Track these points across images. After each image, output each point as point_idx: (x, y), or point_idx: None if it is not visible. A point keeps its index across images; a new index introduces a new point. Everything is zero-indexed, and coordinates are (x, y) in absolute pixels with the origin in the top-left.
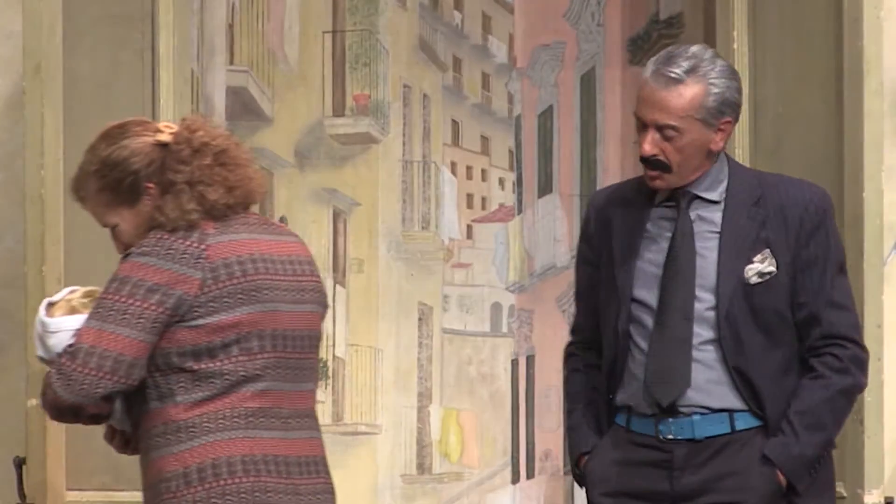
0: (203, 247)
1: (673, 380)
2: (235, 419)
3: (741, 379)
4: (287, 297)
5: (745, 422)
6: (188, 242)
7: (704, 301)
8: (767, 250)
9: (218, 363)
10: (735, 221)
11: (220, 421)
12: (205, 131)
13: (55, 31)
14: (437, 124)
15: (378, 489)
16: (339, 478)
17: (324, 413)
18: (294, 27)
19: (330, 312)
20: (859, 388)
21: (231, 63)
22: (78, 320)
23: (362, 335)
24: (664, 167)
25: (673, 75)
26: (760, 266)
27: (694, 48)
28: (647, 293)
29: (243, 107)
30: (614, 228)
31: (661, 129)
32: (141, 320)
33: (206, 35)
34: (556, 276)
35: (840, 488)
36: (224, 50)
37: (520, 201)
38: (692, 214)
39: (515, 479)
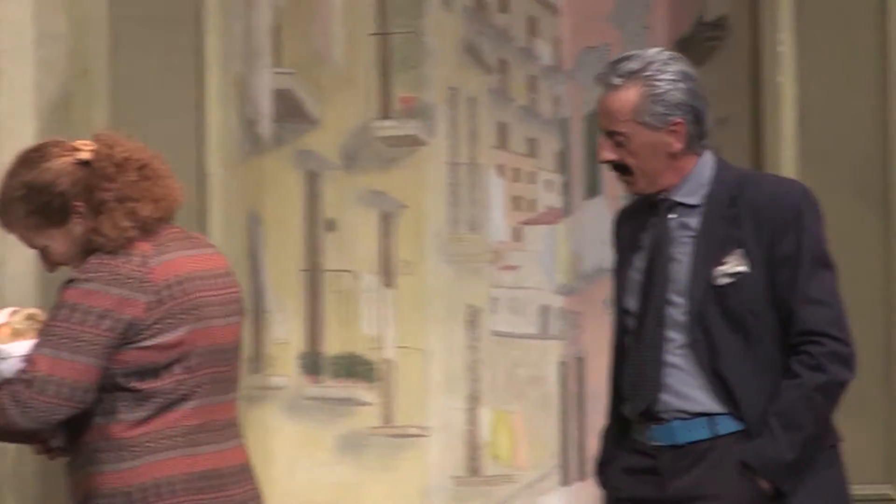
0: (146, 270)
1: (644, 387)
2: (176, 437)
3: (717, 382)
4: (218, 311)
5: (726, 426)
6: (131, 266)
7: (679, 306)
8: (740, 250)
9: (160, 382)
10: (709, 224)
11: (162, 440)
12: (123, 146)
13: (101, 33)
14: (484, 127)
15: (428, 491)
16: (390, 480)
17: (373, 415)
18: (340, 29)
19: (378, 315)
20: (838, 383)
21: (277, 65)
22: (26, 346)
23: (411, 337)
24: (625, 170)
25: (612, 81)
26: (730, 267)
27: (651, 51)
28: (634, 302)
29: (290, 109)
30: (620, 241)
31: (611, 135)
32: (94, 346)
33: (252, 37)
34: (604, 279)
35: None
36: (270, 52)
37: (567, 204)
38: (675, 220)
39: (565, 481)
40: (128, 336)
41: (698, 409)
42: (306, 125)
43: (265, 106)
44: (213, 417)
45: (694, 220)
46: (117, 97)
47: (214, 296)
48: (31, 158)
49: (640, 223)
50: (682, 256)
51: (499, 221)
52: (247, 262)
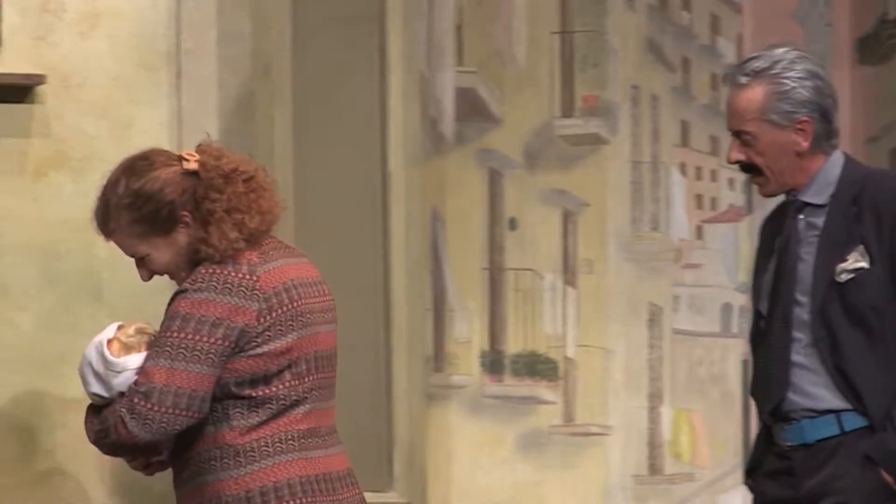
0: (255, 278)
1: (772, 387)
2: (290, 441)
3: (842, 379)
4: (320, 318)
5: (852, 422)
6: (241, 275)
7: (804, 305)
8: (861, 247)
9: (272, 389)
10: (832, 222)
11: (277, 444)
12: (229, 158)
13: (284, 32)
14: (666, 125)
15: (609, 490)
16: (571, 478)
17: (555, 414)
18: (522, 28)
19: (560, 313)
20: None
21: (460, 64)
22: (138, 359)
23: (593, 336)
24: (755, 170)
25: (739, 80)
26: (850, 263)
27: (779, 50)
28: (765, 305)
29: (472, 108)
30: (760, 246)
31: (738, 134)
32: (210, 356)
33: (434, 36)
34: None
35: None
36: (452, 51)
37: (749, 202)
38: (803, 221)
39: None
40: (240, 344)
41: (824, 406)
42: (488, 124)
43: (447, 105)
44: (320, 423)
45: (820, 220)
46: (299, 96)
47: (316, 303)
48: (138, 167)
49: (777, 227)
50: (808, 256)
51: (681, 219)
52: (429, 260)
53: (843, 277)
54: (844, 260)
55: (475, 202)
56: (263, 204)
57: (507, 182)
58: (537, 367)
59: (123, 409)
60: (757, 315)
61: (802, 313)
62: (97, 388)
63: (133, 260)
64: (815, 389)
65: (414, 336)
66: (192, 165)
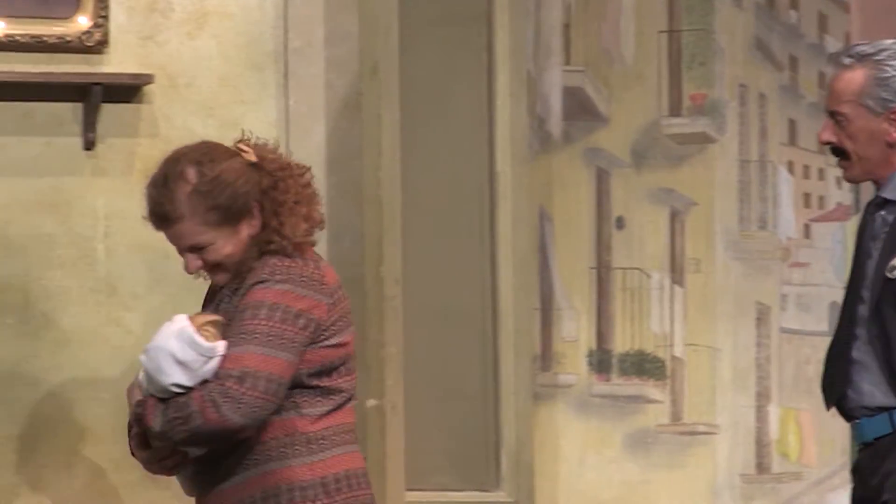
0: (321, 273)
1: (833, 384)
2: (349, 433)
3: (893, 376)
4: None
5: None
6: (311, 269)
7: (866, 302)
8: None
9: (335, 380)
10: None
11: (342, 434)
12: (275, 153)
13: (391, 31)
14: (774, 124)
15: (717, 489)
16: (679, 477)
17: (662, 413)
18: (630, 26)
19: (668, 312)
20: None
21: (567, 63)
22: (223, 346)
23: (700, 335)
24: (842, 154)
25: (843, 60)
26: None
27: (889, 41)
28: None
29: (579, 107)
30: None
31: (833, 115)
32: (294, 344)
33: (542, 35)
34: None
35: None
36: (560, 50)
37: (857, 200)
38: (881, 217)
39: None
40: (314, 336)
41: (877, 403)
42: (596, 123)
43: (555, 104)
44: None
45: (892, 216)
46: (407, 95)
47: (348, 304)
48: (208, 155)
49: (863, 224)
50: (875, 252)
51: (788, 218)
52: (536, 259)
53: (893, 274)
54: (894, 256)
55: (582, 201)
56: (317, 198)
57: (615, 181)
58: (645, 366)
59: (215, 394)
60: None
61: (863, 310)
62: (179, 378)
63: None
64: (869, 387)
65: (521, 335)
66: (252, 157)
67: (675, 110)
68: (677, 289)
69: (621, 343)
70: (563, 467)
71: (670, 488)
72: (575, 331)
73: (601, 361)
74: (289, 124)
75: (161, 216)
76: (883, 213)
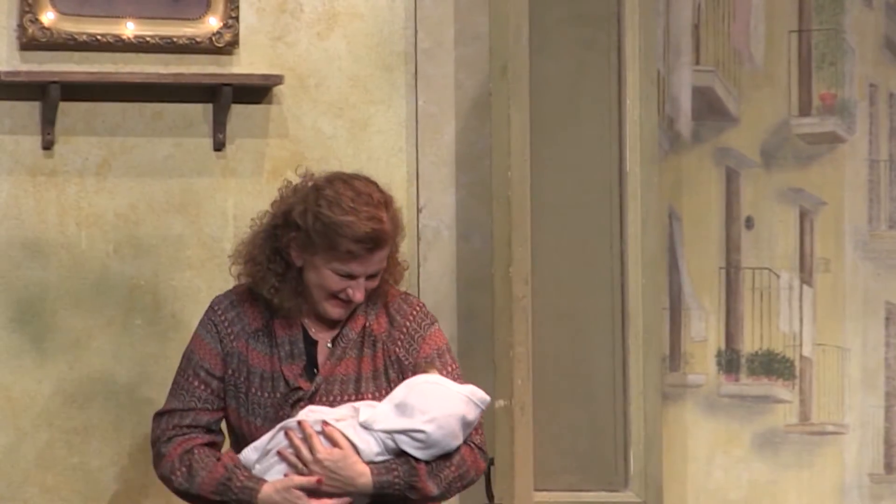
0: None
1: None
2: None
3: None
4: None
5: None
6: None
7: None
8: None
9: None
10: None
11: None
12: None
13: (522, 32)
14: None
15: (845, 488)
16: (806, 477)
17: (791, 413)
18: (760, 26)
19: (797, 312)
20: None
21: (697, 63)
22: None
23: (829, 335)
24: None
25: None
26: None
27: None
28: None
29: (709, 107)
30: None
31: None
32: None
33: (671, 35)
34: None
35: None
36: (690, 50)
37: None
38: None
39: None
40: None
41: None
42: (725, 123)
43: (684, 104)
44: None
45: None
46: (536, 95)
47: None
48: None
49: None
50: None
51: None
52: (665, 259)
53: None
54: None
55: (712, 201)
56: None
57: (744, 180)
58: (773, 365)
59: (476, 443)
60: None
61: None
62: (461, 438)
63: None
64: None
65: (650, 335)
66: None
67: (804, 110)
68: (806, 288)
69: (750, 343)
70: (691, 467)
71: (798, 488)
72: (704, 331)
73: (730, 361)
74: (418, 124)
75: (381, 237)
76: None
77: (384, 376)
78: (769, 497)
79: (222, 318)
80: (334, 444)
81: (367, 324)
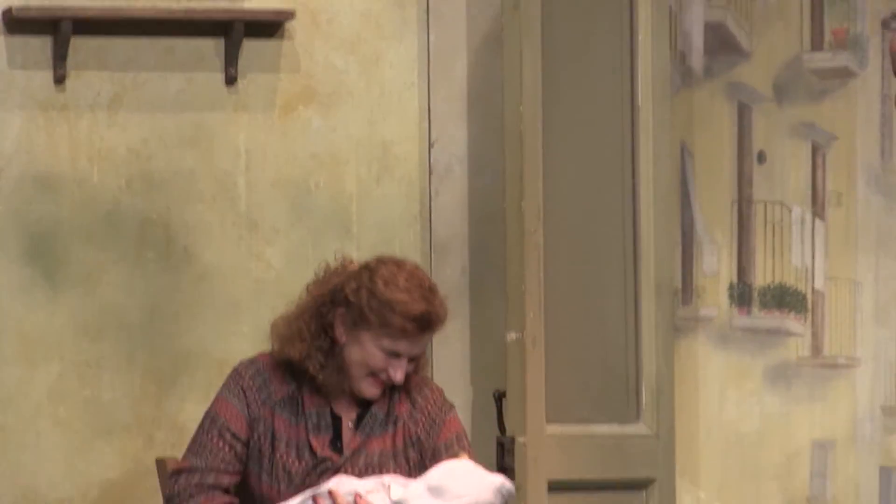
0: None
1: None
2: None
3: None
4: None
5: None
6: None
7: None
8: None
9: None
10: None
11: None
12: None
13: None
14: None
15: (857, 421)
16: (819, 410)
17: (803, 346)
18: None
19: (809, 245)
20: None
21: None
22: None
23: (841, 268)
24: None
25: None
26: None
27: None
28: None
29: (721, 42)
30: None
31: None
32: None
33: None
34: None
35: None
36: None
37: None
38: None
39: None
40: None
41: None
42: (737, 58)
43: (696, 39)
44: None
45: None
46: (548, 30)
47: None
48: None
49: None
50: None
51: None
52: (677, 193)
53: None
54: None
55: (724, 136)
56: None
57: (756, 115)
58: (786, 299)
59: None
60: None
61: None
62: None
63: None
64: None
65: (662, 269)
66: None
67: (817, 45)
68: (818, 222)
69: (762, 276)
70: (703, 400)
71: (810, 421)
72: (716, 264)
73: (742, 295)
74: (430, 59)
75: (433, 319)
76: None
77: (403, 456)
78: (781, 430)
79: (249, 383)
80: None
81: (391, 405)
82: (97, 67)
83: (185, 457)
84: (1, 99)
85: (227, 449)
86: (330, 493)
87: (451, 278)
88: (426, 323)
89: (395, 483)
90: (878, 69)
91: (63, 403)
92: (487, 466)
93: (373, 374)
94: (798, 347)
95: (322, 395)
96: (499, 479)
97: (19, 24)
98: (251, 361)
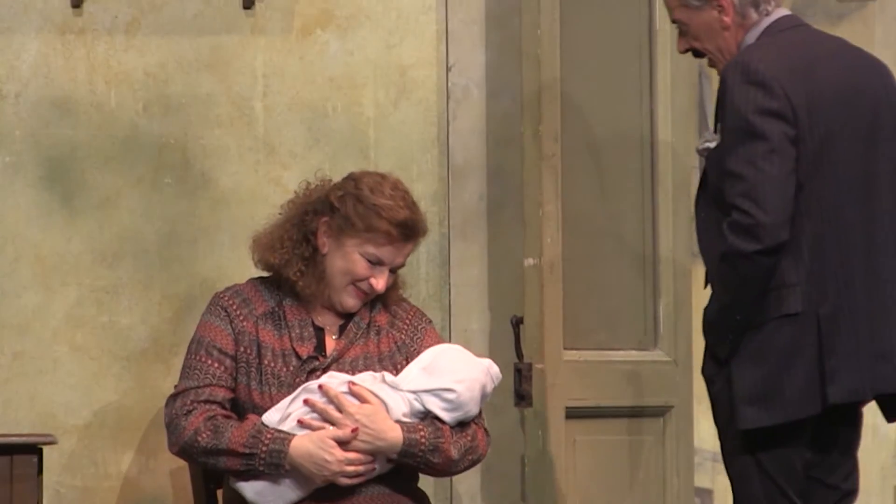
0: None
1: None
2: None
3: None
4: None
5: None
6: None
7: None
8: (713, 126)
9: None
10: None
11: None
12: None
13: None
14: None
15: None
16: None
17: None
18: None
19: None
20: (737, 252)
21: None
22: None
23: None
24: (700, 54)
25: None
26: (702, 143)
27: None
28: None
29: None
30: None
31: (675, 24)
32: None
33: None
34: None
35: None
36: None
37: None
38: None
39: None
40: None
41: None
42: None
43: None
44: None
45: None
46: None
47: None
48: None
49: None
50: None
51: None
52: (695, 116)
53: (701, 158)
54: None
55: None
56: None
57: None
58: None
59: (483, 428)
60: None
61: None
62: (476, 411)
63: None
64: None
65: (679, 193)
66: None
67: None
68: None
69: None
70: None
71: None
72: None
73: None
74: None
75: (416, 227)
76: None
77: (390, 360)
78: None
79: (229, 302)
80: (363, 401)
81: (372, 316)
82: None
83: (178, 384)
84: (18, 23)
85: (216, 365)
86: (320, 387)
87: (468, 203)
88: (410, 230)
89: (387, 373)
90: None
91: (80, 329)
92: (506, 393)
93: (354, 283)
94: None
95: (303, 306)
96: (487, 361)
97: None
98: (228, 287)
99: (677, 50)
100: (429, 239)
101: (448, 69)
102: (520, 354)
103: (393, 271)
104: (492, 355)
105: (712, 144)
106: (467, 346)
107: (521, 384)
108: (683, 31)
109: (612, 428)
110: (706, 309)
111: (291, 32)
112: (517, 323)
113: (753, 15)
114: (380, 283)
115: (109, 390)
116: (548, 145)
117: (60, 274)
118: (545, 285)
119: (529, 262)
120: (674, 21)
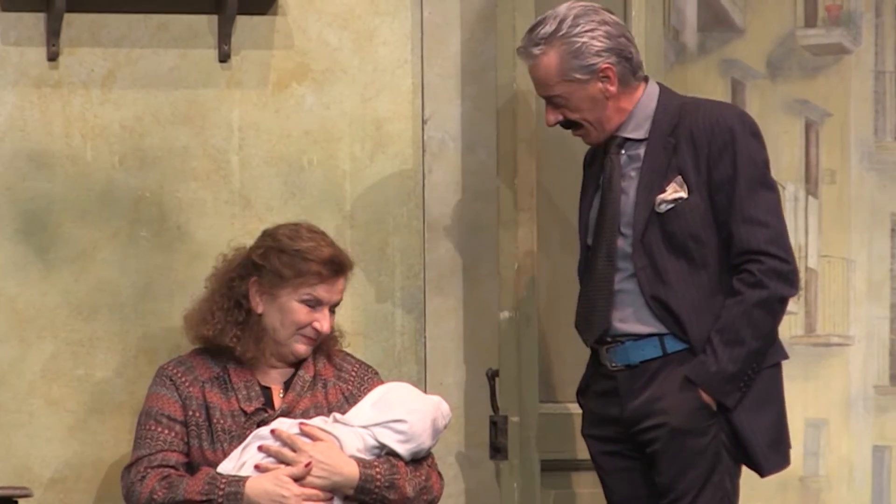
0: None
1: (595, 317)
2: None
3: (660, 306)
4: None
5: (673, 344)
6: None
7: (628, 237)
8: (679, 177)
9: None
10: (651, 154)
11: None
12: None
13: None
14: None
15: (850, 400)
16: (812, 388)
17: (796, 324)
18: None
19: (802, 223)
20: (778, 298)
21: None
22: None
23: (834, 246)
24: (576, 125)
25: (532, 52)
26: (669, 194)
27: (560, 9)
28: (591, 238)
29: (714, 18)
30: (584, 182)
31: (549, 99)
32: None
33: None
34: None
35: None
36: None
37: None
38: (625, 155)
39: None
40: None
41: (647, 330)
42: (731, 34)
43: (690, 15)
44: None
45: (641, 153)
46: (542, 6)
47: None
48: None
49: (600, 163)
50: (630, 190)
51: None
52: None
53: (663, 208)
54: (664, 191)
55: None
56: None
57: (750, 92)
58: None
59: (436, 469)
60: (584, 248)
61: (626, 245)
62: (429, 446)
63: None
64: (637, 316)
65: None
66: None
67: (810, 21)
68: (812, 200)
69: None
70: None
71: (804, 399)
72: None
73: None
74: (423, 35)
75: (343, 262)
76: (624, 151)
77: (339, 410)
78: None
79: (173, 371)
80: (316, 440)
81: (317, 369)
82: (91, 43)
83: (131, 456)
84: None
85: (165, 432)
86: (272, 431)
87: (444, 256)
88: (338, 265)
89: (337, 413)
90: (871, 46)
91: (56, 382)
92: (482, 446)
93: (299, 331)
94: (791, 326)
95: (247, 369)
96: (436, 398)
97: None
98: (171, 359)
99: (547, 122)
100: (405, 292)
101: (424, 122)
102: (495, 407)
103: (332, 311)
104: (467, 408)
105: (684, 195)
106: (444, 398)
107: (496, 437)
108: (560, 105)
109: (588, 481)
110: (704, 362)
111: (267, 86)
112: (493, 376)
113: (633, 81)
114: (324, 324)
115: (85, 443)
116: (523, 198)
117: (36, 327)
118: (521, 338)
119: (505, 315)
120: (548, 97)
